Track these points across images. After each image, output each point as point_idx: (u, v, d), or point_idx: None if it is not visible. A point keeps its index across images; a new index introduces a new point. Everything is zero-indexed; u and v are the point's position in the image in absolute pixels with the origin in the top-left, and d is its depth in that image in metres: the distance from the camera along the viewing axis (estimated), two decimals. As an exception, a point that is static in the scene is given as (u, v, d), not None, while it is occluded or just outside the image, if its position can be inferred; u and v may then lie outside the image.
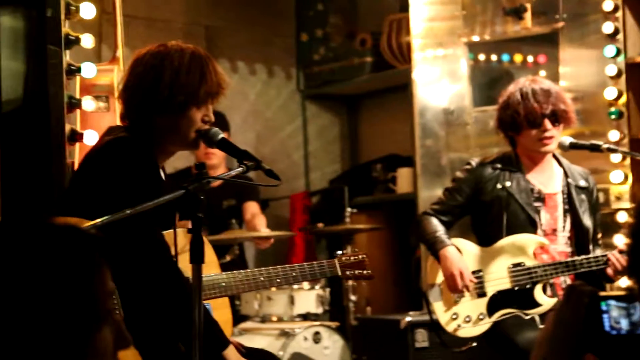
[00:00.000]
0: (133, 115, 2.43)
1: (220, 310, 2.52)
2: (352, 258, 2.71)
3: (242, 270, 2.56)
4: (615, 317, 1.17)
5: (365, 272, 2.74)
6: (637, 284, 1.11)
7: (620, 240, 4.04)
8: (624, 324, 1.17)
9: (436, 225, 3.29)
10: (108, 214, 2.13)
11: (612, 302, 1.18)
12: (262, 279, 2.56)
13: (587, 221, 3.31)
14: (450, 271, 3.18)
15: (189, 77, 2.37)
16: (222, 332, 2.35)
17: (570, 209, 3.32)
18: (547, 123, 3.22)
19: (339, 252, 2.76)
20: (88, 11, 2.79)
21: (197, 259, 2.09)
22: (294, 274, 2.59)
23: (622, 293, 1.21)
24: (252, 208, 4.63)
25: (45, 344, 1.07)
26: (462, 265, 3.18)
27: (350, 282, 4.59)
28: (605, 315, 1.17)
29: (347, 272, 2.70)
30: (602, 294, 1.20)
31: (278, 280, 2.57)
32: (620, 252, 3.19)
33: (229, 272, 2.54)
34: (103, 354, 1.13)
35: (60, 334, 1.08)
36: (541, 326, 3.15)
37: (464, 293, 3.19)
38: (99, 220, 2.03)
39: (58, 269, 1.09)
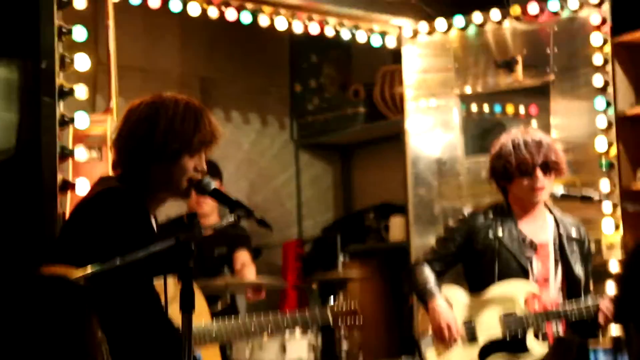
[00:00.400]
0: (126, 163, 2.43)
1: (210, 358, 2.50)
2: (344, 307, 2.71)
3: (233, 318, 2.53)
4: None
5: (356, 320, 2.72)
6: (623, 331, 1.11)
7: (612, 288, 4.03)
8: None
9: (427, 276, 3.29)
10: (98, 263, 2.12)
11: (601, 354, 1.19)
12: (253, 327, 2.54)
13: (579, 271, 3.31)
14: (438, 323, 3.19)
15: (184, 125, 2.40)
16: None
17: (562, 259, 3.32)
18: (539, 172, 3.24)
19: (332, 300, 2.74)
20: (83, 62, 2.82)
21: (187, 308, 2.08)
22: (285, 322, 2.57)
23: (610, 344, 1.22)
24: (242, 257, 4.60)
25: None
26: (450, 318, 3.18)
27: (342, 330, 4.56)
28: None
29: (339, 321, 2.69)
30: (591, 345, 1.20)
31: (269, 328, 2.55)
32: (611, 300, 3.18)
33: (220, 321, 2.52)
34: None
35: None
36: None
37: (455, 342, 3.18)
38: (89, 270, 2.02)
39: (47, 320, 1.08)
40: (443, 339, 3.17)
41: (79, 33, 2.84)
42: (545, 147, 3.27)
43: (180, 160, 2.40)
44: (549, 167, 3.25)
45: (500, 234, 3.29)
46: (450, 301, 3.28)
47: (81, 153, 2.79)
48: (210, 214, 4.54)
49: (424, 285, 3.27)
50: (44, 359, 1.07)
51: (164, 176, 2.41)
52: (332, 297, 2.75)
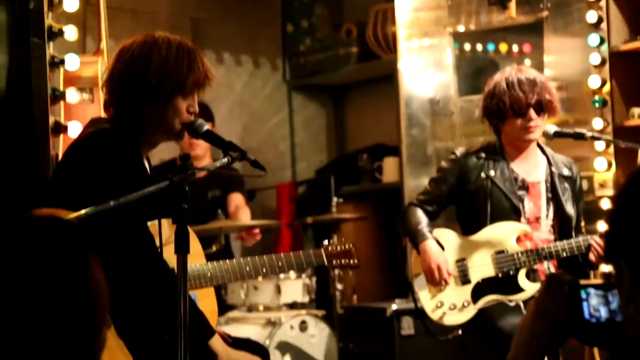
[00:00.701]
0: (118, 104, 2.42)
1: (205, 300, 2.53)
2: (338, 248, 2.73)
3: (227, 260, 2.56)
4: (594, 305, 1.19)
5: (351, 261, 2.75)
6: (614, 270, 1.12)
7: (604, 226, 4.07)
8: (603, 312, 1.19)
9: (419, 217, 3.30)
10: (91, 205, 2.13)
11: (592, 291, 1.20)
12: (247, 268, 2.56)
13: (570, 209, 3.33)
14: (428, 265, 3.20)
15: (177, 65, 2.37)
16: (208, 322, 2.36)
17: (554, 197, 3.33)
18: (532, 112, 3.23)
19: (326, 242, 2.76)
20: (71, 3, 2.78)
21: (182, 249, 2.10)
22: (280, 263, 2.59)
23: (601, 281, 1.23)
24: (236, 200, 4.61)
25: (54, 345, 1.05)
26: (440, 259, 3.20)
27: (336, 271, 4.61)
28: (584, 303, 1.19)
29: (334, 262, 2.72)
30: (582, 282, 1.21)
31: (264, 269, 2.57)
32: (602, 237, 3.21)
33: (215, 262, 2.54)
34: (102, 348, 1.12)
35: (62, 334, 1.06)
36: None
37: (445, 284, 3.21)
38: (82, 211, 2.03)
39: (44, 261, 1.07)
40: (433, 281, 3.20)
41: (67, -27, 2.80)
42: (539, 86, 3.24)
43: (174, 100, 2.39)
44: (543, 107, 3.24)
45: (492, 173, 3.30)
46: (442, 242, 3.29)
47: (72, 95, 2.77)
48: (204, 156, 4.54)
49: (416, 226, 3.27)
50: (43, 300, 1.05)
51: (157, 117, 2.39)
52: (326, 240, 2.76)
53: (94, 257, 1.11)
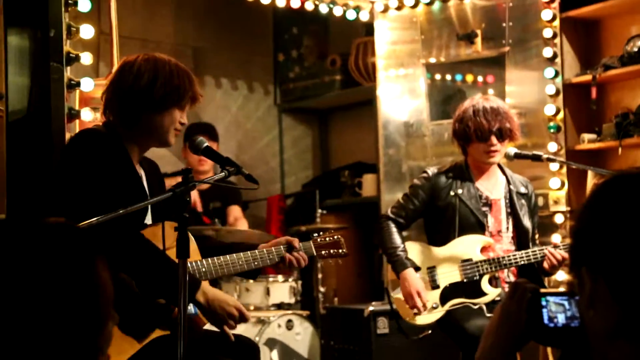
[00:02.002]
0: (119, 110, 2.42)
1: None
2: (327, 239, 2.67)
3: (221, 257, 2.53)
4: (553, 311, 1.19)
5: (341, 250, 2.68)
6: (576, 278, 1.13)
7: (557, 238, 4.11)
8: (561, 318, 1.18)
9: (395, 239, 3.28)
10: (82, 201, 2.14)
11: (551, 299, 1.19)
12: (240, 262, 2.52)
13: (527, 223, 3.35)
14: (408, 291, 3.19)
15: (180, 81, 2.43)
16: (192, 275, 2.34)
17: (512, 212, 3.35)
18: (494, 139, 3.24)
19: (315, 234, 2.71)
20: (87, 32, 2.80)
21: (183, 254, 2.11)
22: (270, 255, 2.55)
23: (560, 290, 1.23)
24: (235, 212, 4.64)
25: (59, 341, 1.02)
26: (419, 287, 3.19)
27: (319, 275, 4.62)
28: (544, 310, 1.19)
29: (323, 252, 2.67)
30: (543, 290, 1.21)
31: (255, 262, 2.52)
32: (555, 247, 3.22)
33: (209, 259, 2.52)
34: (108, 343, 1.09)
35: (70, 331, 1.02)
36: (488, 314, 3.19)
37: (424, 309, 3.19)
38: (91, 220, 2.03)
39: (56, 265, 1.04)
40: (413, 304, 3.19)
41: (84, 4, 2.82)
42: (502, 115, 3.24)
43: (172, 111, 2.43)
44: (503, 134, 3.24)
45: (460, 191, 3.30)
46: (415, 253, 3.28)
47: (87, 114, 2.78)
48: (209, 171, 4.56)
49: (394, 250, 3.26)
50: (53, 298, 1.02)
51: (155, 124, 2.43)
52: (317, 233, 2.69)
53: (100, 259, 1.09)
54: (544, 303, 1.19)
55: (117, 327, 2.27)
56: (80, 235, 1.08)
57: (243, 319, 2.39)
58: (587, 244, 1.08)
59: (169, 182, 2.46)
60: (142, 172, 2.51)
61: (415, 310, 3.21)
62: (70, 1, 2.79)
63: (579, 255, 1.10)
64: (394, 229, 3.31)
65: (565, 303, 1.19)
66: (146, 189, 2.46)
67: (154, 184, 2.53)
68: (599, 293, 1.06)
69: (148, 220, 2.47)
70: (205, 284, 2.35)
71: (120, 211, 2.10)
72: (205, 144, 2.43)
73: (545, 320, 1.19)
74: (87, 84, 2.79)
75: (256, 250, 2.55)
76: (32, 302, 1.01)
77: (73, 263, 1.05)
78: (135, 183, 2.41)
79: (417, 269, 3.26)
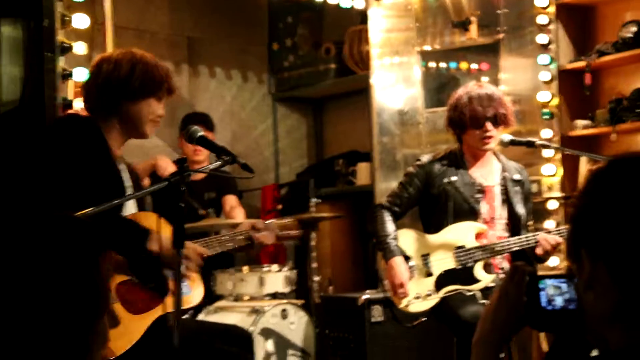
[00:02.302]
0: (98, 100, 2.49)
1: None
2: (283, 222, 2.83)
3: (200, 240, 2.60)
4: (551, 294, 1.19)
5: (293, 232, 2.87)
6: (574, 263, 1.14)
7: (551, 224, 4.13)
8: (559, 301, 1.19)
9: (387, 227, 3.30)
10: (61, 188, 2.17)
11: (549, 282, 1.20)
12: (216, 244, 2.62)
13: (521, 210, 3.36)
14: (392, 281, 3.23)
15: (157, 72, 2.50)
16: (141, 226, 2.37)
17: (506, 199, 3.36)
18: (489, 125, 3.25)
19: (272, 220, 2.83)
20: (81, 21, 2.80)
21: (178, 244, 2.12)
22: (239, 237, 2.65)
23: (558, 273, 1.24)
24: (231, 201, 4.63)
25: (52, 336, 1.02)
26: (404, 278, 3.22)
27: (313, 265, 4.63)
28: (542, 293, 1.20)
29: (283, 234, 2.83)
30: (541, 273, 1.22)
31: (229, 244, 2.63)
32: (548, 232, 3.24)
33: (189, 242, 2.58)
34: (103, 340, 1.09)
35: (67, 324, 1.02)
36: (482, 301, 3.21)
37: (404, 296, 3.23)
38: (86, 211, 2.04)
39: (61, 259, 1.03)
40: (396, 294, 3.23)
41: (77, -6, 2.82)
42: (496, 101, 3.26)
43: (149, 100, 2.50)
44: (498, 120, 3.26)
45: (454, 179, 3.31)
46: (409, 241, 3.30)
47: (80, 104, 2.78)
48: (204, 161, 4.56)
49: (385, 237, 3.29)
50: (60, 297, 1.02)
51: (133, 113, 2.49)
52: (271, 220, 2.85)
53: (102, 255, 1.09)
54: (542, 286, 1.20)
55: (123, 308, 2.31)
56: (87, 229, 1.08)
57: (200, 259, 2.39)
58: (587, 226, 1.09)
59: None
60: (122, 166, 2.54)
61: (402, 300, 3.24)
62: (63, -10, 2.79)
63: (578, 237, 1.11)
64: (387, 217, 3.33)
65: (563, 286, 1.20)
66: (123, 179, 2.50)
67: (134, 182, 2.57)
68: (598, 275, 1.08)
69: (133, 210, 2.50)
70: (156, 235, 2.37)
71: (116, 201, 2.11)
72: (200, 133, 2.44)
73: (543, 303, 1.20)
74: (81, 74, 2.78)
75: (227, 234, 2.68)
76: (33, 294, 1.01)
77: (78, 257, 1.05)
78: (113, 172, 2.45)
79: (406, 257, 3.27)
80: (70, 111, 2.87)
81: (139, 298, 2.38)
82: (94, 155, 2.37)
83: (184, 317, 2.53)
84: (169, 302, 2.27)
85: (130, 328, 2.32)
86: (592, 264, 1.08)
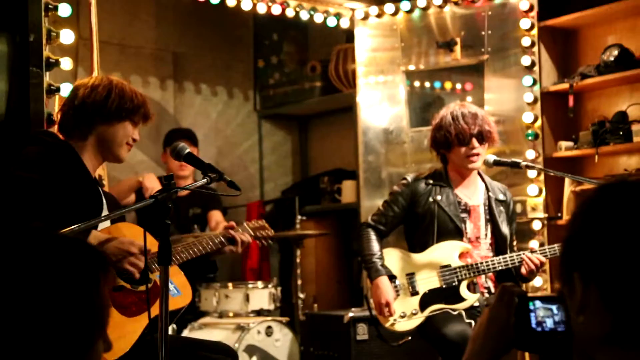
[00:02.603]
0: (74, 122, 2.52)
1: (176, 275, 2.59)
2: (256, 224, 2.89)
3: (179, 244, 2.62)
4: (540, 316, 1.19)
5: (267, 232, 2.90)
6: (563, 288, 1.13)
7: (535, 245, 4.14)
8: (548, 323, 1.19)
9: (373, 246, 3.32)
10: (41, 206, 2.16)
11: (539, 303, 1.20)
12: (197, 248, 2.65)
13: (505, 229, 3.38)
14: (378, 300, 3.24)
15: (133, 98, 2.54)
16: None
17: (491, 219, 3.38)
18: (475, 142, 3.28)
19: (244, 222, 2.88)
20: (67, 37, 2.79)
21: (164, 260, 2.11)
22: (217, 239, 2.70)
23: (548, 295, 1.24)
24: (216, 216, 4.63)
25: (53, 352, 1.00)
26: (390, 297, 3.23)
27: (299, 282, 4.62)
28: (532, 314, 1.20)
29: (257, 233, 2.87)
30: (530, 295, 1.22)
31: (209, 246, 2.67)
32: (532, 252, 3.24)
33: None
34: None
35: (65, 343, 1.01)
36: (467, 320, 3.21)
37: (390, 315, 3.24)
38: (73, 227, 2.03)
39: (63, 279, 1.02)
40: (382, 312, 3.24)
41: (64, 9, 2.80)
42: (480, 118, 3.30)
43: (125, 124, 2.52)
44: (483, 137, 3.29)
45: (439, 198, 3.32)
46: (395, 260, 3.30)
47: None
48: (189, 177, 4.55)
49: (370, 257, 3.29)
50: (60, 317, 1.01)
51: (108, 136, 2.52)
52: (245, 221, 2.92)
53: (103, 276, 1.07)
54: (531, 307, 1.20)
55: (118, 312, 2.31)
56: (89, 250, 1.07)
57: (141, 255, 2.37)
58: (580, 250, 1.09)
59: None
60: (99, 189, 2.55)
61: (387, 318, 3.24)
62: (50, 6, 2.77)
63: (570, 261, 1.11)
64: (373, 236, 3.34)
65: (553, 308, 1.20)
66: (103, 198, 2.50)
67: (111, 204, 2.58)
68: (590, 299, 1.07)
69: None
70: (95, 232, 2.37)
71: (102, 217, 2.11)
72: (187, 150, 2.44)
73: (533, 325, 1.20)
74: (67, 90, 2.77)
75: (205, 234, 2.74)
76: (33, 312, 1.00)
77: (80, 277, 1.04)
78: (93, 190, 2.44)
79: (392, 277, 3.27)
80: (50, 129, 2.87)
81: (132, 302, 2.39)
82: (73, 173, 2.37)
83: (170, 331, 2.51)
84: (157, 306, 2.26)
85: (128, 330, 2.35)
86: (584, 287, 1.08)
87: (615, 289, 1.05)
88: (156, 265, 2.37)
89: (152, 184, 4.15)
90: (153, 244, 2.31)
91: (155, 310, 2.18)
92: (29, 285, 1.01)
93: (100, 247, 2.30)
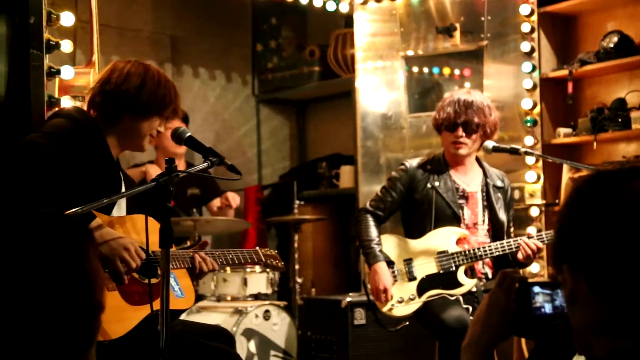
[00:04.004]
0: (103, 108, 2.46)
1: (183, 278, 2.56)
2: (268, 252, 2.83)
3: (190, 249, 2.60)
4: (540, 301, 1.21)
5: (279, 263, 2.85)
6: (558, 274, 1.13)
7: (533, 231, 4.16)
8: (548, 308, 1.21)
9: (371, 232, 3.32)
10: (56, 187, 2.14)
11: (539, 289, 1.22)
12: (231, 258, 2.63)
13: (502, 216, 3.38)
14: (376, 285, 3.25)
15: (166, 94, 2.48)
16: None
17: (488, 205, 3.38)
18: (460, 130, 3.27)
19: (257, 249, 2.83)
20: (68, 19, 2.77)
21: (166, 244, 2.11)
22: (230, 256, 2.66)
23: (547, 280, 1.25)
24: (217, 202, 4.66)
25: (54, 334, 1.00)
26: (387, 283, 3.24)
27: (296, 266, 4.63)
28: (532, 300, 1.21)
29: (268, 261, 2.81)
30: (530, 280, 1.23)
31: (221, 261, 2.63)
32: (529, 237, 3.25)
33: (179, 249, 2.58)
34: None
35: (66, 322, 1.01)
36: (465, 305, 3.23)
37: (387, 301, 3.25)
38: (77, 209, 2.02)
39: (55, 256, 1.02)
40: (379, 298, 3.25)
41: (64, -8, 2.79)
42: (473, 108, 3.26)
43: (153, 118, 2.48)
44: (469, 127, 3.27)
45: (437, 184, 3.32)
46: (392, 246, 3.31)
47: (67, 102, 2.75)
48: (184, 154, 4.56)
49: (369, 242, 3.30)
50: (51, 293, 1.01)
51: (134, 128, 2.47)
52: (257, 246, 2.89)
53: (91, 246, 1.08)
54: (531, 293, 1.21)
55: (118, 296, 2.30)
56: (73, 223, 1.08)
57: (137, 255, 2.34)
58: (568, 241, 1.09)
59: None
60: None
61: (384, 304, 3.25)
62: (50, -12, 2.76)
63: (560, 251, 1.11)
64: (371, 222, 3.34)
65: (553, 293, 1.22)
66: (122, 182, 2.48)
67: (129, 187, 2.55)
68: (580, 290, 1.08)
69: (122, 212, 2.49)
70: (97, 220, 2.34)
71: (105, 200, 2.10)
72: (188, 134, 2.44)
73: (534, 310, 1.21)
74: (68, 72, 2.76)
75: (224, 250, 2.67)
76: (28, 293, 1.00)
77: (67, 252, 1.04)
78: (112, 172, 2.42)
79: (390, 263, 3.29)
80: (70, 106, 2.84)
81: (136, 291, 2.38)
82: (94, 154, 2.35)
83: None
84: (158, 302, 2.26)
85: (127, 315, 2.33)
86: (573, 278, 1.09)
87: (603, 279, 1.04)
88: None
89: (156, 172, 4.15)
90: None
91: (156, 306, 2.19)
92: (23, 267, 1.01)
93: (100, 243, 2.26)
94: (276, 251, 2.87)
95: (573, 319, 1.12)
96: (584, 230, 1.07)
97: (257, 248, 2.81)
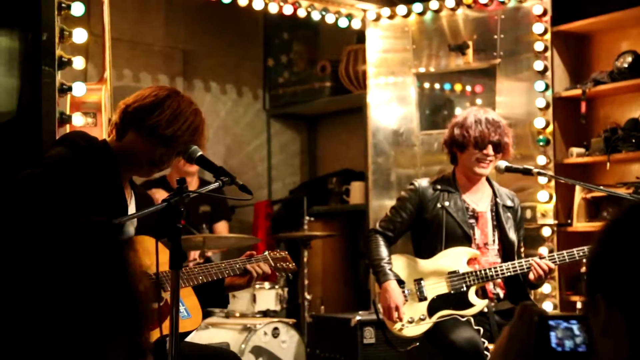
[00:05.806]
0: (118, 123, 2.43)
1: (188, 297, 2.54)
2: (277, 255, 2.78)
3: (196, 267, 2.58)
4: (560, 336, 1.18)
5: (290, 265, 2.79)
6: (588, 308, 1.12)
7: (544, 251, 4.12)
8: (568, 343, 1.18)
9: (381, 251, 3.30)
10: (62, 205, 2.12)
11: (559, 323, 1.19)
12: (214, 270, 2.57)
13: (512, 236, 3.36)
14: (387, 304, 3.22)
15: (183, 124, 2.40)
16: None
17: (498, 225, 3.36)
18: (490, 149, 3.27)
19: (267, 251, 2.78)
20: (80, 36, 2.76)
21: (176, 265, 2.09)
22: (238, 265, 2.61)
23: (569, 314, 1.23)
24: (220, 228, 4.67)
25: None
26: (399, 301, 3.21)
27: (305, 282, 4.60)
28: (552, 333, 1.18)
29: (278, 265, 2.76)
30: (550, 314, 1.22)
31: (227, 271, 2.59)
32: (541, 258, 3.23)
33: (185, 269, 2.55)
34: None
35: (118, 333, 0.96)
36: (476, 327, 3.19)
37: (399, 321, 3.22)
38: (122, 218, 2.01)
39: (99, 258, 0.98)
40: (390, 317, 3.21)
41: (77, 8, 2.78)
42: (501, 128, 3.29)
43: (153, 141, 2.39)
44: (500, 147, 3.28)
45: (447, 204, 3.31)
46: (403, 266, 3.29)
47: (78, 119, 2.74)
48: (195, 172, 4.58)
49: (379, 262, 3.28)
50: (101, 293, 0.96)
51: (134, 144, 2.40)
52: (266, 251, 2.82)
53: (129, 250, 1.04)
54: (551, 327, 1.19)
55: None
56: (113, 229, 1.04)
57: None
58: (604, 271, 1.08)
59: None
60: (131, 194, 2.49)
61: (396, 323, 3.22)
62: (63, 5, 2.75)
63: (594, 281, 1.09)
64: (381, 242, 3.33)
65: (574, 327, 1.19)
66: (127, 205, 2.45)
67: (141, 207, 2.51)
68: (614, 321, 1.06)
69: (131, 232, 2.46)
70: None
71: (124, 219, 2.09)
72: (199, 153, 2.41)
73: (553, 344, 1.19)
74: (79, 89, 2.75)
75: (225, 262, 2.62)
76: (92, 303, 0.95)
77: (120, 256, 1.00)
78: (116, 198, 2.39)
79: (400, 282, 3.26)
80: (74, 125, 2.82)
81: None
82: (97, 181, 2.31)
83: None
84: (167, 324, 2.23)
85: None
86: (607, 309, 1.07)
87: (638, 312, 1.03)
88: (168, 283, 2.33)
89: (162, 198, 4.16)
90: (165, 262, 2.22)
91: (163, 330, 2.16)
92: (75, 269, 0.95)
93: None
94: (286, 252, 2.82)
95: (602, 352, 1.10)
96: (622, 259, 1.05)
97: (267, 252, 2.76)
